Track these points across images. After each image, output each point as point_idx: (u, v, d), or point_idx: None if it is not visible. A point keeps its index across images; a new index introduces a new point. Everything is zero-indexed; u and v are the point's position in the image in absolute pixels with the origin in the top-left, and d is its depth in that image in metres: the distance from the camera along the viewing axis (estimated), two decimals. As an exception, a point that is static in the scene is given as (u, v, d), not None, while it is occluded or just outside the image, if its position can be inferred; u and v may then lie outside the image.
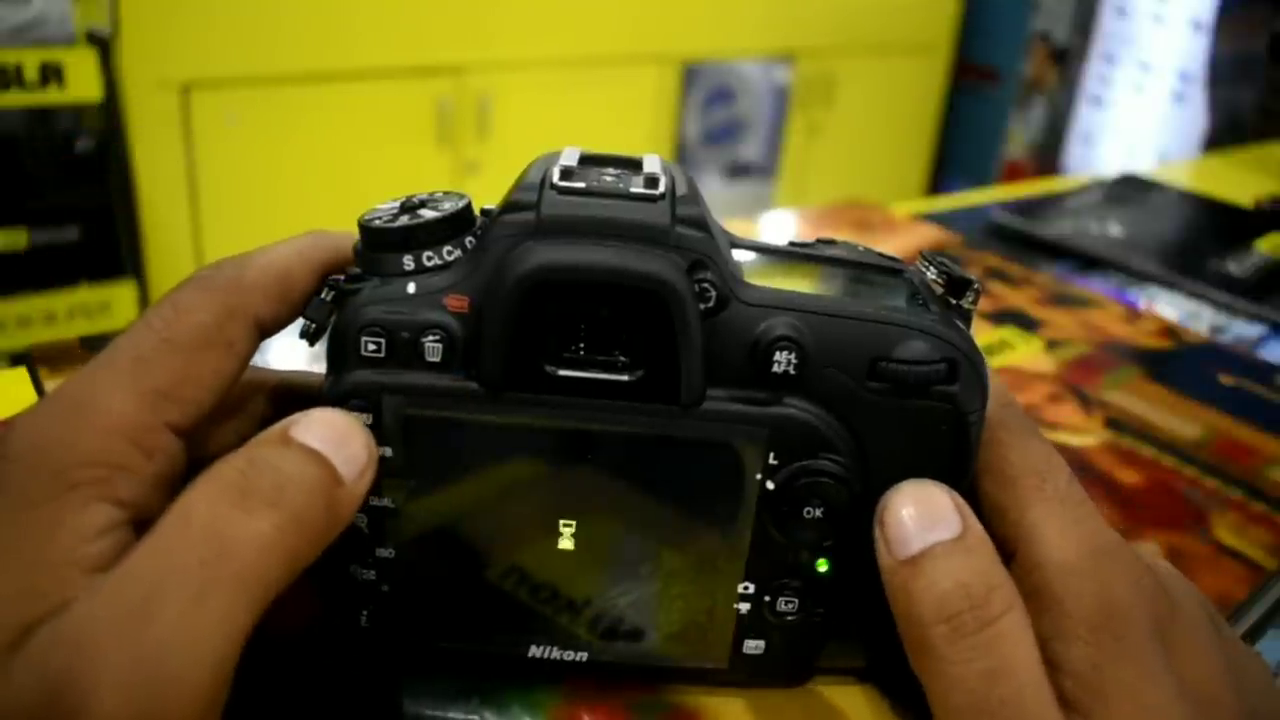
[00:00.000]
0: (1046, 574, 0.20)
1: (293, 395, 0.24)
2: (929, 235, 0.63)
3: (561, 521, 0.22)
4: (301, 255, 0.22)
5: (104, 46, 1.20)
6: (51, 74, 1.17)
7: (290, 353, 0.38)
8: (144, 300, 1.34)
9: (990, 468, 0.22)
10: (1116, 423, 0.41)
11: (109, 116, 1.24)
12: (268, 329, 0.21)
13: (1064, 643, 0.19)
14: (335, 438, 0.19)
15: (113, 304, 1.30)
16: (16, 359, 0.38)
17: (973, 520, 0.21)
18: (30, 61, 1.15)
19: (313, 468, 0.18)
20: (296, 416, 0.19)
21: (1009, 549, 0.21)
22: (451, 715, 0.24)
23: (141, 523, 0.18)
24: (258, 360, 0.22)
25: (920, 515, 0.20)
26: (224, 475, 0.18)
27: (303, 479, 0.18)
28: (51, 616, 0.16)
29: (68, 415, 0.19)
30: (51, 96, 1.18)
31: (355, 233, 0.23)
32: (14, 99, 1.16)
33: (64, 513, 0.17)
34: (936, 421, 0.21)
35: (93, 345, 0.39)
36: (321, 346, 0.22)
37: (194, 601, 0.16)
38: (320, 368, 0.22)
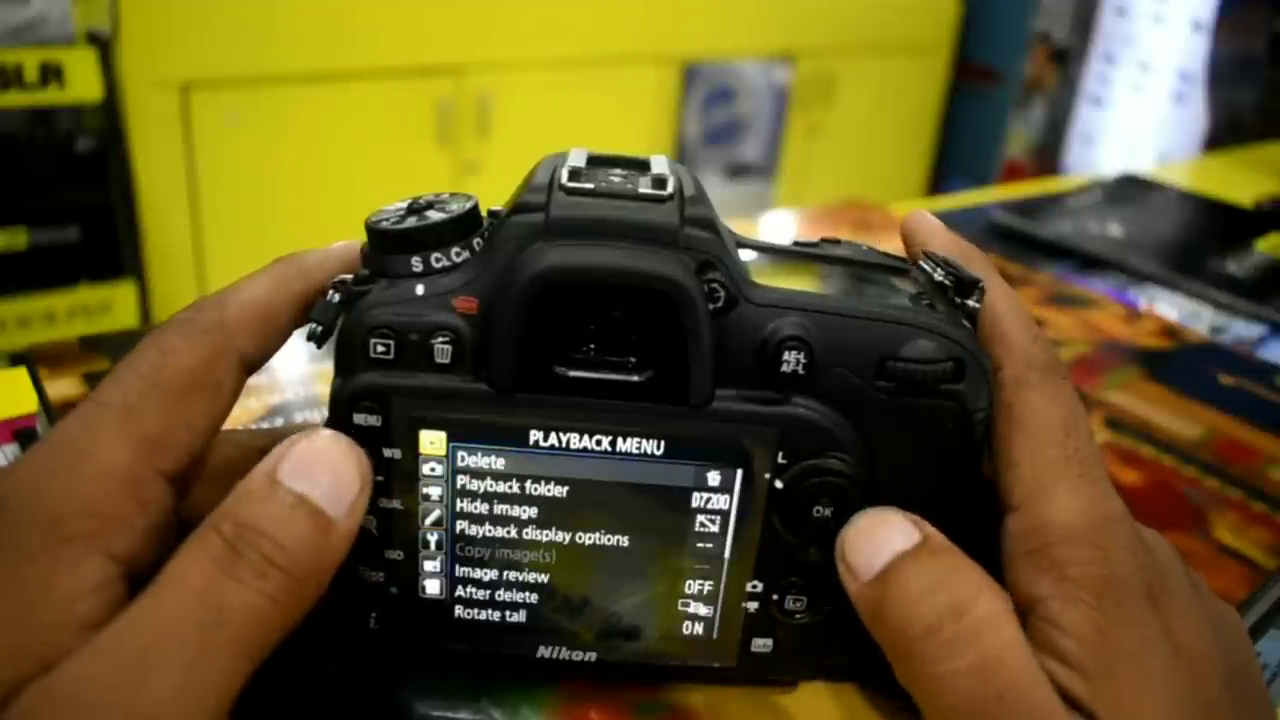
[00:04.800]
0: (1051, 535, 0.20)
1: None
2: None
3: (569, 522, 0.22)
4: (280, 287, 0.22)
5: (104, 46, 1.20)
6: (51, 74, 1.17)
7: (296, 354, 0.38)
8: (144, 300, 1.34)
9: (1011, 412, 0.22)
10: (1116, 423, 0.42)
11: (109, 116, 1.24)
12: (253, 366, 0.22)
13: (1066, 604, 0.19)
14: (324, 473, 0.19)
15: (113, 304, 1.30)
16: (16, 359, 0.38)
17: (931, 530, 0.21)
18: (30, 61, 1.15)
19: (301, 523, 0.18)
20: (285, 447, 0.19)
21: (1015, 499, 0.21)
22: (460, 716, 0.24)
23: (133, 576, 0.18)
24: (262, 375, 0.22)
25: (877, 536, 0.21)
26: (212, 542, 0.18)
27: (291, 541, 0.18)
28: (42, 674, 0.16)
29: (62, 463, 0.18)
30: (51, 96, 1.18)
31: (326, 248, 0.23)
32: (14, 99, 1.16)
33: (58, 567, 0.17)
34: (943, 420, 0.22)
35: (93, 345, 0.39)
36: (328, 348, 0.22)
37: (191, 663, 0.16)
38: (316, 366, 0.22)
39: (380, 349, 0.21)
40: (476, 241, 0.21)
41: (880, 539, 0.21)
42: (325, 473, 0.19)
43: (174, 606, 0.17)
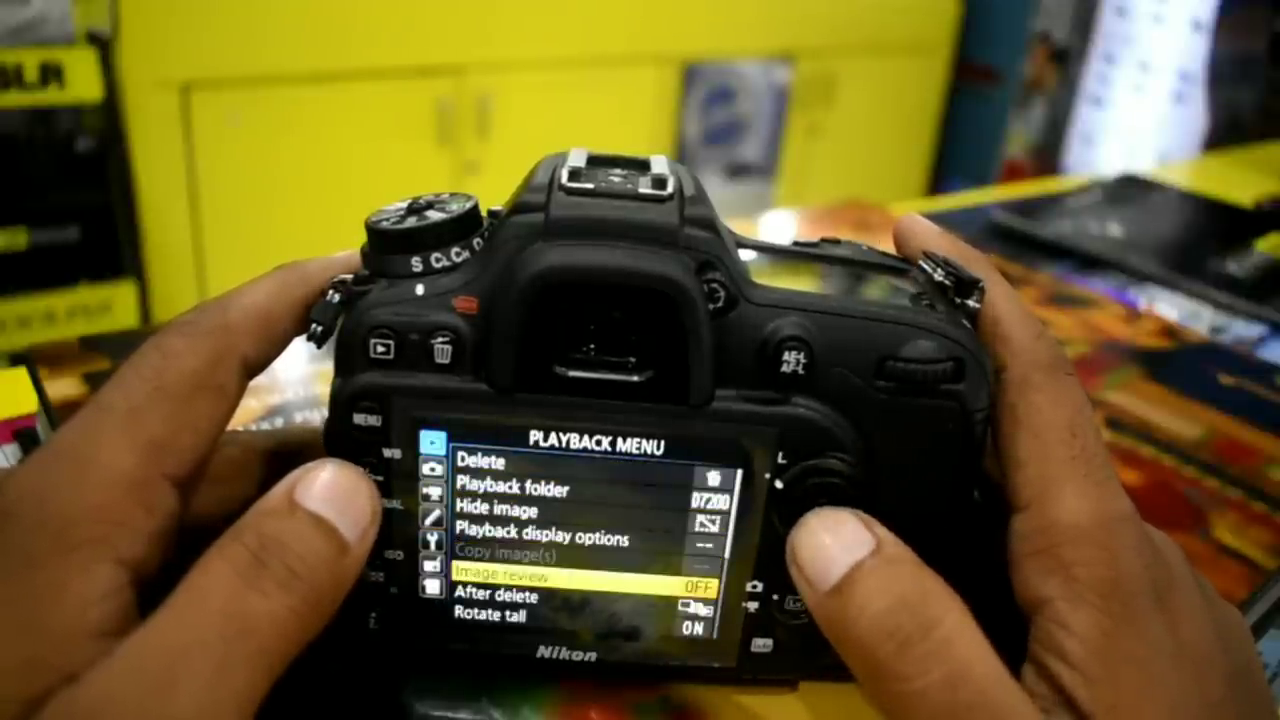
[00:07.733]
0: (1058, 535, 0.20)
1: (288, 454, 0.24)
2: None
3: (570, 522, 0.22)
4: (281, 293, 0.22)
5: (104, 46, 1.20)
6: (51, 74, 1.17)
7: (296, 355, 0.38)
8: (144, 300, 1.33)
9: (1016, 412, 0.21)
10: (1116, 423, 0.42)
11: (109, 116, 1.24)
12: (255, 369, 0.22)
13: (1072, 606, 0.19)
14: (339, 498, 0.19)
15: (113, 304, 1.30)
16: (16, 359, 0.38)
17: (883, 532, 0.20)
18: (30, 61, 1.15)
19: (320, 540, 0.19)
20: (300, 474, 0.19)
21: (1021, 499, 0.21)
22: (460, 716, 0.24)
23: (140, 581, 0.18)
24: (262, 375, 0.22)
25: (831, 540, 0.20)
26: (236, 553, 0.18)
27: (311, 556, 0.18)
28: (60, 688, 0.16)
29: (67, 469, 0.18)
30: (51, 96, 1.18)
31: (329, 256, 0.23)
32: (14, 99, 1.16)
33: (67, 575, 0.17)
34: (944, 420, 0.22)
35: (93, 345, 0.39)
36: (328, 348, 0.22)
37: (215, 676, 0.16)
38: (315, 367, 0.22)
39: (380, 349, 0.21)
40: (476, 241, 0.21)
41: (835, 544, 0.20)
42: (340, 499, 0.19)
43: (196, 619, 0.17)
